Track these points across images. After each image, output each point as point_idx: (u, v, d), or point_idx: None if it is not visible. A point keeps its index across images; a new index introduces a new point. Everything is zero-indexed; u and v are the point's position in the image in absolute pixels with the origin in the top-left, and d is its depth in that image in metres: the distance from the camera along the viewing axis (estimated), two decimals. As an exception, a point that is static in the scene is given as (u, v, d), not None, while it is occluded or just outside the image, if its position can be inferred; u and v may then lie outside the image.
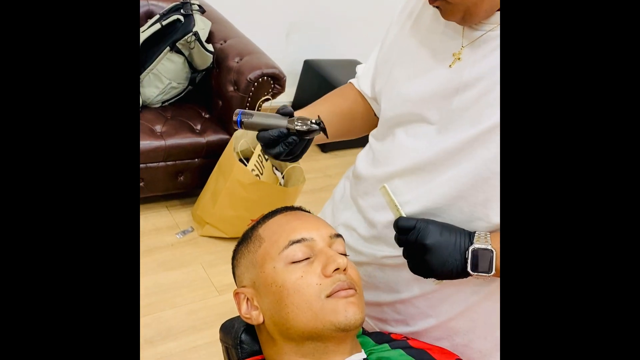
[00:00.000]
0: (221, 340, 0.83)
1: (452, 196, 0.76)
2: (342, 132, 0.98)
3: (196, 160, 2.12)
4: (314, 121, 0.77)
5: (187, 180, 2.15)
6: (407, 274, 0.78)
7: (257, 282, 0.73)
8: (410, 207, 0.80)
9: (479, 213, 0.74)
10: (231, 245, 0.82)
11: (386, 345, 0.79)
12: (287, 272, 0.70)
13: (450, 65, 0.75)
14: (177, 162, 2.07)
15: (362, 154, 0.95)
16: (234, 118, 0.79)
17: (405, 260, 0.77)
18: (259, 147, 2.13)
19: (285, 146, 0.78)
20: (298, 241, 0.72)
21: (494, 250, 0.70)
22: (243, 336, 0.77)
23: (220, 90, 2.14)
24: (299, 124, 0.77)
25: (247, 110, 0.81)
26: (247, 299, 0.74)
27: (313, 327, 0.67)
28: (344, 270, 0.71)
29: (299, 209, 0.82)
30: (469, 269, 0.71)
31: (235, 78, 2.07)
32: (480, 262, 0.71)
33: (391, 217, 0.80)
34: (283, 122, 0.78)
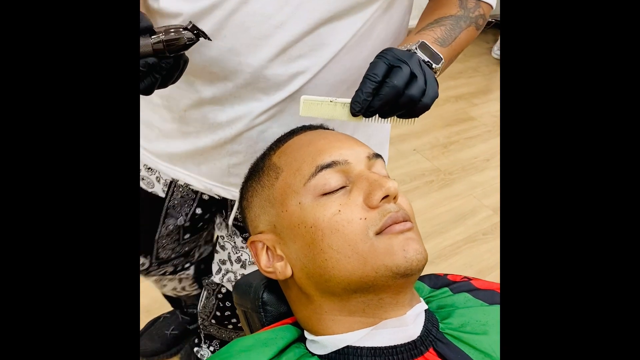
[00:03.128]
0: (237, 304, 0.66)
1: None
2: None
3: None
4: (184, 27, 0.54)
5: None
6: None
7: (278, 225, 0.55)
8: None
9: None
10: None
11: (446, 289, 0.62)
12: (318, 207, 0.52)
13: None
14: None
15: None
16: None
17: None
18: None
19: (156, 76, 0.54)
20: (328, 165, 0.54)
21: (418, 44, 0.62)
22: (265, 296, 0.60)
23: None
24: (168, 35, 0.53)
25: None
26: (267, 247, 0.56)
27: (362, 276, 0.50)
28: (394, 198, 0.53)
29: (321, 127, 0.63)
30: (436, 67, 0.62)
31: None
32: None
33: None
34: (146, 42, 0.53)
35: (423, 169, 2.32)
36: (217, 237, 0.99)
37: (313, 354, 0.53)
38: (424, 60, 0.60)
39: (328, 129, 0.63)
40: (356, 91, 0.56)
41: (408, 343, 0.52)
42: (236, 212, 0.83)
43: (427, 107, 0.58)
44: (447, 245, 1.96)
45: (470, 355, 0.53)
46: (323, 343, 0.53)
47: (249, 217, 0.60)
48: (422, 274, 0.68)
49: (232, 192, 0.81)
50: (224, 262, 0.96)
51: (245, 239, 0.90)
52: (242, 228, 0.88)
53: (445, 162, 2.40)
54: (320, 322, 0.54)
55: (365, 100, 0.56)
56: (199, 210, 0.91)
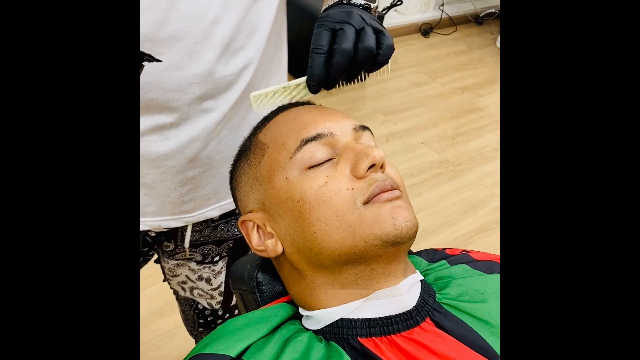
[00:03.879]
0: (232, 288, 0.65)
1: None
2: None
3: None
4: None
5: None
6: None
7: (267, 202, 0.55)
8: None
9: None
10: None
11: (444, 262, 0.61)
12: (304, 180, 0.52)
13: None
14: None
15: None
16: None
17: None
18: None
19: None
20: (313, 138, 0.53)
21: None
22: (259, 276, 0.60)
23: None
24: None
25: None
26: (258, 226, 0.56)
27: (352, 246, 0.49)
28: (381, 167, 0.52)
29: (307, 103, 0.62)
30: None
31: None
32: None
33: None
34: None
35: (431, 161, 2.31)
36: (162, 267, 0.89)
37: (307, 329, 0.53)
38: (360, 5, 0.58)
39: (314, 104, 0.63)
40: (308, 69, 0.54)
41: (403, 313, 0.51)
42: (190, 235, 0.77)
43: (391, 48, 0.56)
44: (459, 235, 1.94)
45: (469, 323, 0.52)
46: (317, 317, 0.52)
47: (238, 197, 0.59)
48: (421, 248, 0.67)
49: (185, 219, 0.72)
50: (185, 282, 0.88)
51: (200, 261, 0.83)
52: (200, 244, 0.80)
53: (453, 153, 2.38)
54: (313, 297, 0.53)
55: (320, 76, 0.54)
56: (144, 249, 0.79)
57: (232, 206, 0.76)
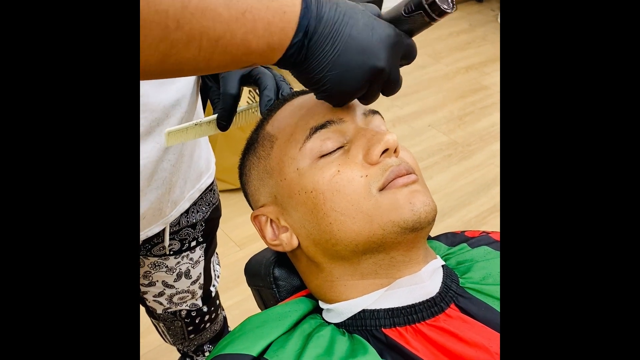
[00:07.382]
0: (249, 284, 0.64)
1: None
2: None
3: (183, 111, 1.90)
4: None
5: (178, 135, 1.94)
6: None
7: (279, 195, 0.53)
8: None
9: None
10: (243, 196, 0.61)
11: (464, 245, 0.60)
12: (316, 170, 0.50)
13: None
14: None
15: None
16: None
17: None
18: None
19: None
20: (322, 126, 0.51)
21: None
22: (276, 271, 0.58)
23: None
24: None
25: None
26: (271, 220, 0.54)
27: (369, 235, 0.48)
28: (395, 151, 0.50)
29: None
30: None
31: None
32: None
33: None
34: None
35: (440, 143, 2.28)
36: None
37: (329, 323, 0.51)
38: None
39: None
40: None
41: (427, 300, 0.49)
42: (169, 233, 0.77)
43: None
44: (472, 216, 1.92)
45: (495, 307, 0.50)
46: (338, 310, 0.51)
47: (249, 192, 0.58)
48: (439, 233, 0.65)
49: (164, 221, 0.73)
50: (161, 294, 0.86)
51: (178, 250, 0.81)
52: (177, 231, 0.79)
53: (462, 134, 2.35)
54: (333, 289, 0.52)
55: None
56: None
57: (197, 193, 0.77)
